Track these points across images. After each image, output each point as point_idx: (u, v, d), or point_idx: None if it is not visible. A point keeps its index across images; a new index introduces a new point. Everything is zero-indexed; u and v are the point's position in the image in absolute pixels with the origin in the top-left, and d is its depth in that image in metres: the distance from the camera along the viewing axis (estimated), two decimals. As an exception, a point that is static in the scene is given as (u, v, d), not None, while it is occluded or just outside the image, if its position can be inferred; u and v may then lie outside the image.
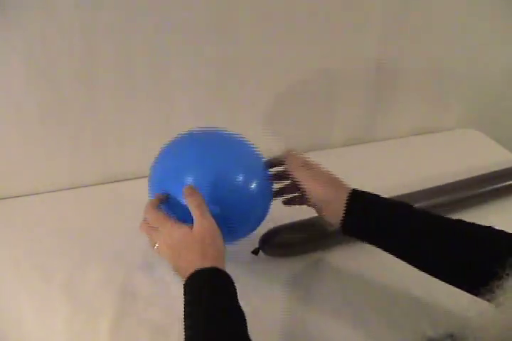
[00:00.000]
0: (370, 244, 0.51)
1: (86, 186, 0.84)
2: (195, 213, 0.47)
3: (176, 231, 0.47)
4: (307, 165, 0.54)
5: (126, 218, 0.74)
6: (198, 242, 0.45)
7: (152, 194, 0.56)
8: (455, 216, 0.49)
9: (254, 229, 0.57)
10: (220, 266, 0.45)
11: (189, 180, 0.50)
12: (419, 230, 0.47)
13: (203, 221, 0.46)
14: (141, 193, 0.83)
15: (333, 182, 0.53)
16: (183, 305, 0.55)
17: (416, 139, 1.08)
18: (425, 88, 1.06)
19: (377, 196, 0.51)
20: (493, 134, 1.11)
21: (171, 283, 0.59)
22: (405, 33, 0.93)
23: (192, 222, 0.47)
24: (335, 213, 0.51)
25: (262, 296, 0.57)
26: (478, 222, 0.47)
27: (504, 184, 0.81)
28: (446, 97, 1.11)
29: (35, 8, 0.63)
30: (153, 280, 0.60)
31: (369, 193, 0.52)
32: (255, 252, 0.64)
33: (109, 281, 0.60)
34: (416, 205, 0.51)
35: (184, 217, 0.49)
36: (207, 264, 0.44)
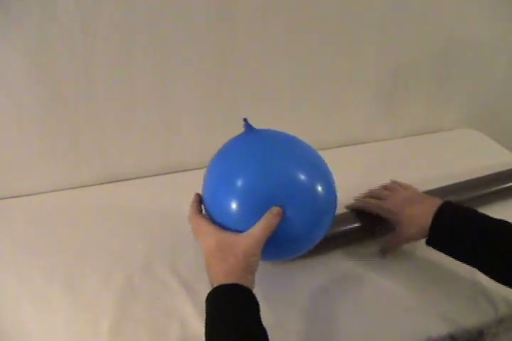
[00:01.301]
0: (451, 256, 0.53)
1: (86, 186, 0.84)
2: (260, 226, 0.45)
3: (212, 236, 0.47)
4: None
5: (126, 218, 0.74)
6: (221, 251, 0.45)
7: (209, 188, 0.53)
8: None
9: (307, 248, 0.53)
10: (243, 282, 0.43)
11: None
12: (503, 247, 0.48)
13: (256, 235, 0.45)
14: (141, 193, 0.83)
15: (420, 198, 0.56)
16: (183, 305, 0.56)
17: (416, 139, 1.08)
18: (425, 88, 1.06)
19: (469, 210, 0.53)
20: (493, 134, 1.11)
21: (171, 283, 0.59)
22: (405, 33, 0.93)
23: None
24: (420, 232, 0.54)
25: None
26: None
27: (505, 186, 0.81)
28: (446, 97, 1.11)
29: (35, 8, 0.63)
30: (153, 281, 0.60)
31: (457, 207, 0.53)
32: None
33: (109, 281, 0.60)
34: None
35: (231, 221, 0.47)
36: (231, 278, 0.43)
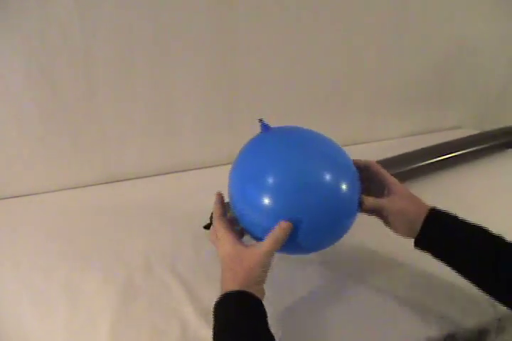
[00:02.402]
0: (438, 259, 0.52)
1: (86, 186, 0.84)
2: (268, 240, 0.46)
3: (227, 245, 0.48)
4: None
5: (126, 218, 0.74)
6: (232, 262, 0.47)
7: (234, 191, 0.52)
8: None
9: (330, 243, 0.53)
10: (250, 291, 0.45)
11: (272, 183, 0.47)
12: (489, 256, 0.48)
13: (264, 249, 0.46)
14: (141, 193, 0.83)
15: (414, 199, 0.54)
16: (182, 305, 0.56)
17: (416, 139, 1.08)
18: (425, 88, 1.06)
19: (454, 218, 0.52)
20: (493, 134, 1.11)
21: (171, 283, 0.59)
22: (405, 34, 0.93)
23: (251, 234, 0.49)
24: (410, 230, 0.52)
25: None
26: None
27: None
28: (446, 97, 1.11)
29: (35, 8, 0.63)
30: (153, 281, 0.60)
31: (447, 214, 0.52)
32: (207, 227, 0.63)
33: (109, 281, 0.59)
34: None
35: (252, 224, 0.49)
36: (236, 287, 0.45)
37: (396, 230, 0.54)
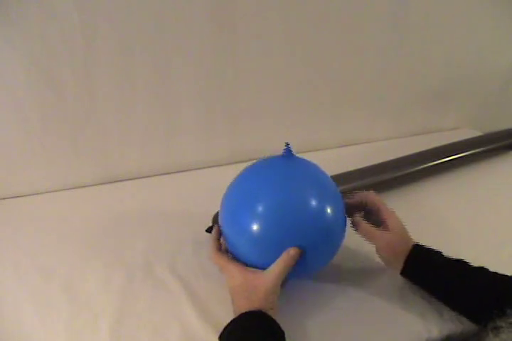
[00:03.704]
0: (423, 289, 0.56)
1: (86, 186, 0.84)
2: (278, 266, 0.48)
3: (237, 276, 0.50)
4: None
5: (126, 218, 0.74)
6: (246, 291, 0.49)
7: (224, 220, 0.54)
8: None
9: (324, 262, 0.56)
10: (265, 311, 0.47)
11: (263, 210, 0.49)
12: (471, 290, 0.51)
13: (275, 275, 0.48)
14: (141, 193, 0.83)
15: (404, 234, 0.57)
16: (182, 305, 0.56)
17: (416, 139, 1.08)
18: (425, 88, 1.06)
19: (437, 253, 0.55)
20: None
21: (171, 284, 0.59)
22: (405, 34, 0.93)
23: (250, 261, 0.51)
24: (395, 262, 0.56)
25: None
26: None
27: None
28: (446, 97, 1.11)
29: (35, 8, 0.63)
30: (153, 281, 0.60)
31: (429, 250, 0.55)
32: (209, 230, 0.63)
33: (109, 281, 0.60)
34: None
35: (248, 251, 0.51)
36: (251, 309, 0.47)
37: (383, 260, 0.59)
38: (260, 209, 0.49)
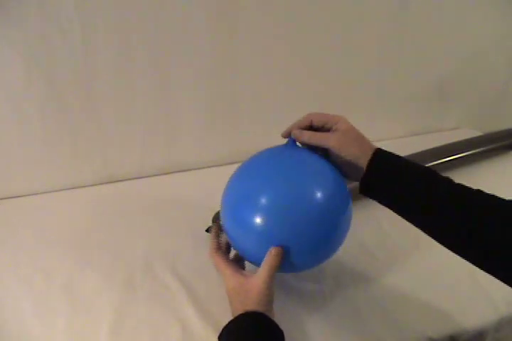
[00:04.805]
0: (386, 206, 0.50)
1: (86, 186, 0.84)
2: (264, 268, 0.48)
3: (230, 280, 0.50)
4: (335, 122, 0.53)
5: (126, 218, 0.74)
6: (239, 295, 0.49)
7: (226, 217, 0.53)
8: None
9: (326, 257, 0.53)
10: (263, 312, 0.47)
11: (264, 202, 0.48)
12: (438, 199, 0.46)
13: (262, 278, 0.48)
14: (141, 193, 0.83)
15: (360, 139, 0.52)
16: (183, 305, 0.56)
17: (416, 139, 1.08)
18: (425, 88, 1.06)
19: (401, 158, 0.50)
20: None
21: (171, 284, 0.59)
22: (405, 34, 0.93)
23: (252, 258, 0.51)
24: (356, 171, 0.50)
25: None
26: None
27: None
28: (446, 97, 1.11)
29: (35, 8, 0.63)
30: (153, 281, 0.60)
31: (393, 154, 0.50)
32: (209, 230, 0.63)
33: (109, 281, 0.60)
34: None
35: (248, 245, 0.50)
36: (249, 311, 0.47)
37: (344, 172, 0.52)
38: (261, 200, 0.48)
